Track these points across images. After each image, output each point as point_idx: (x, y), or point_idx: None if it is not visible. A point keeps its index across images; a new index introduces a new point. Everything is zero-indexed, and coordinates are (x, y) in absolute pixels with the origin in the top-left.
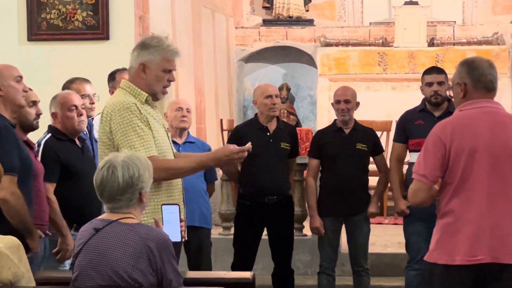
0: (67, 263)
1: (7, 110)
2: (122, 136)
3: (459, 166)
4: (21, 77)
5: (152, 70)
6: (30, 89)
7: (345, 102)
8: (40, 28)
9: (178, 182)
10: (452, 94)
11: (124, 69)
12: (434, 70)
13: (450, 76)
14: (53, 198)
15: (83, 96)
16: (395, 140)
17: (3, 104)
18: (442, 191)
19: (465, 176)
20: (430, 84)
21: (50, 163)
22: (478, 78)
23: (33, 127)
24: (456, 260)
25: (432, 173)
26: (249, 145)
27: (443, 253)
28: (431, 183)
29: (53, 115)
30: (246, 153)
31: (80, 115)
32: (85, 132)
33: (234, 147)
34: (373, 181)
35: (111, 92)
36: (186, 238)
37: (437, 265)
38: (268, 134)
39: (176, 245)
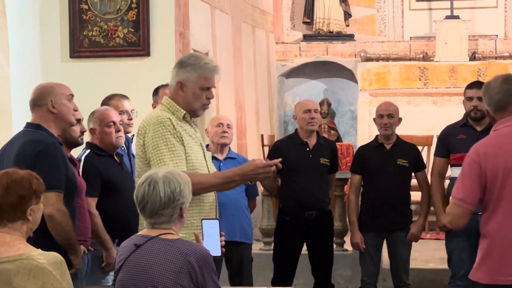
0: (110, 278)
1: (57, 128)
2: (153, 150)
3: (495, 186)
4: (72, 95)
5: (189, 88)
6: None
7: (388, 116)
8: (82, 45)
9: (209, 197)
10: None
11: (167, 85)
12: (476, 84)
13: None
14: (95, 212)
15: (121, 112)
16: (436, 154)
17: (54, 122)
18: (484, 212)
19: (502, 196)
20: (470, 99)
21: (91, 178)
22: (488, 103)
23: (78, 144)
24: (500, 280)
25: (471, 196)
26: (277, 160)
27: (486, 273)
28: (470, 206)
29: (91, 131)
30: (273, 168)
31: (118, 131)
32: (123, 148)
33: (260, 161)
34: (415, 196)
35: (154, 107)
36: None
37: (479, 284)
38: (307, 149)
39: (217, 260)
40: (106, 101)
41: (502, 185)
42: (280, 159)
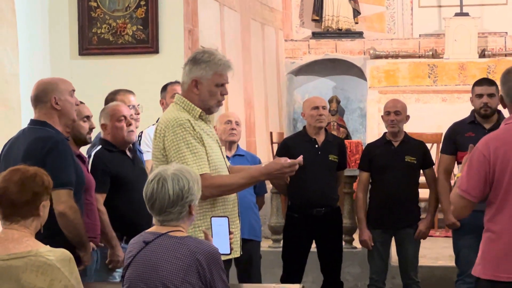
0: (117, 275)
1: (61, 124)
2: (176, 153)
3: (503, 182)
4: (74, 90)
5: (204, 86)
6: (82, 103)
7: (395, 113)
8: (91, 43)
9: (232, 195)
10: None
11: (176, 82)
12: (485, 81)
13: None
14: (103, 209)
15: (128, 107)
16: (443, 151)
17: (59, 118)
18: (488, 207)
19: (508, 192)
20: (480, 96)
21: (99, 174)
22: (507, 92)
23: (86, 142)
24: (502, 277)
25: (475, 189)
26: (300, 158)
27: (488, 269)
28: (474, 199)
29: (103, 126)
30: (297, 167)
31: (129, 125)
32: None
33: (285, 160)
34: (423, 193)
35: (161, 103)
36: (242, 252)
37: (480, 280)
38: (316, 146)
39: (227, 259)
40: (111, 96)
41: (510, 181)
42: (302, 155)
